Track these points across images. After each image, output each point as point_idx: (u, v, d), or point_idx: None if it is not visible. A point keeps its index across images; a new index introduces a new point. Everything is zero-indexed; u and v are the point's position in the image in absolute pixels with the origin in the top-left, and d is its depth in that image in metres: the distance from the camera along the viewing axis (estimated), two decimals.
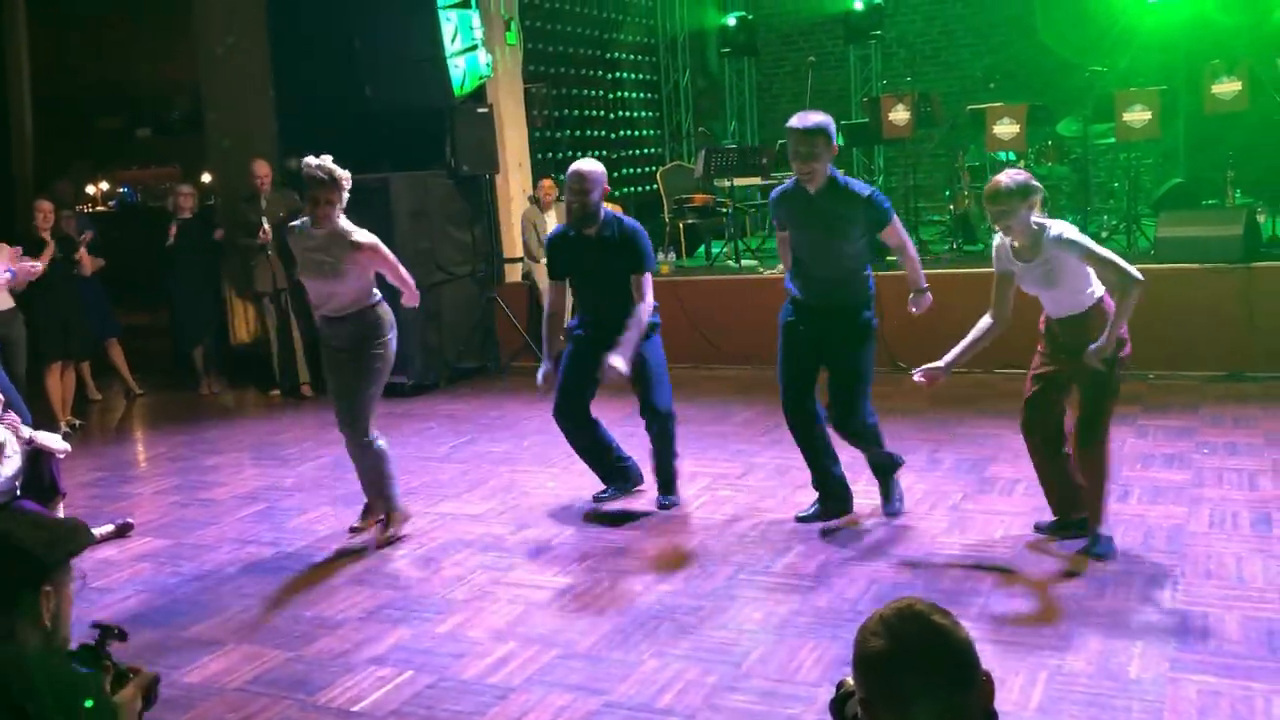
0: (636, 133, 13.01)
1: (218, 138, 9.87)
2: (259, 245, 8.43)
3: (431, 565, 4.78)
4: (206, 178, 10.41)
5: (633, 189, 12.47)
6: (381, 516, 5.15)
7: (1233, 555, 4.23)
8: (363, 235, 4.95)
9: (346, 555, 4.96)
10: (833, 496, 4.90)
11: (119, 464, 6.98)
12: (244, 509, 5.78)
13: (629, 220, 5.17)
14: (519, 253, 9.30)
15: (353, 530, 5.22)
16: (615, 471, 5.43)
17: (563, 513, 5.35)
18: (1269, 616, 3.70)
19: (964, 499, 5.11)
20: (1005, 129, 8.34)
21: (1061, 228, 4.16)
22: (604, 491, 5.43)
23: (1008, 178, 4.16)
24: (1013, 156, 8.98)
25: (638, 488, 5.48)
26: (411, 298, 5.08)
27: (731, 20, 12.89)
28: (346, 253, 4.88)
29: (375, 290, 5.04)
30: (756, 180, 10.76)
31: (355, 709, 3.54)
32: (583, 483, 5.79)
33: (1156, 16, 10.03)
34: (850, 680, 1.75)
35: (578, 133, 11.77)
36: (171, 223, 8.87)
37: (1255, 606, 3.78)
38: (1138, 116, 7.90)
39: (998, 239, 4.36)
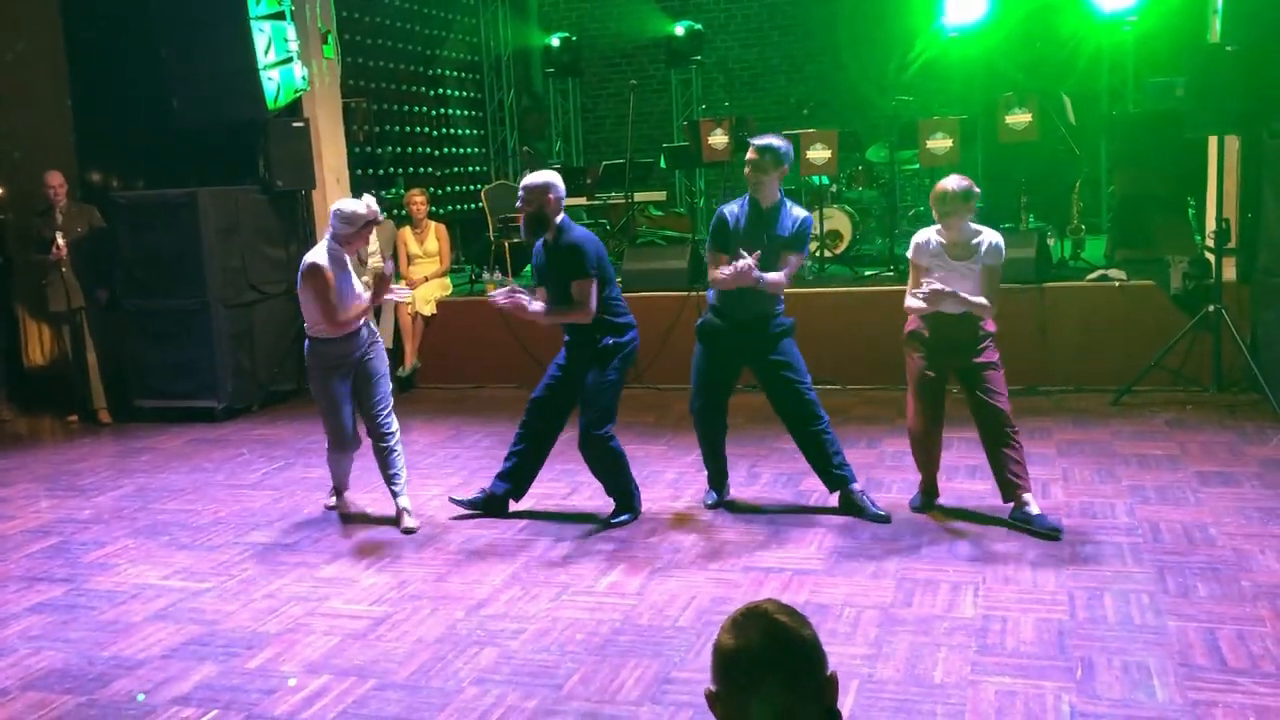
0: (461, 150, 12.91)
1: (8, 149, 9.25)
2: (53, 262, 7.93)
3: (241, 597, 4.57)
4: None
5: (457, 206, 12.35)
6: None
7: (1028, 562, 4.47)
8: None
9: (149, 590, 4.71)
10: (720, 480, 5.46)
11: None
12: (34, 544, 5.40)
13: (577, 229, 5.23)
14: None
15: (406, 532, 5.31)
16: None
17: (380, 540, 5.22)
18: (1059, 619, 3.92)
19: (781, 512, 5.24)
20: (818, 154, 8.64)
21: (999, 238, 4.81)
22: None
23: (955, 183, 4.74)
24: (825, 180, 9.31)
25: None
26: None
27: (555, 41, 12.95)
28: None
29: None
30: (581, 200, 10.82)
31: None
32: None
33: (955, 50, 10.61)
34: None
35: (400, 149, 11.59)
36: None
37: (1048, 609, 4.01)
38: (939, 144, 8.32)
39: (922, 235, 4.90)
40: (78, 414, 8.25)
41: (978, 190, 4.79)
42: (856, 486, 5.15)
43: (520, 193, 5.13)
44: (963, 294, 4.74)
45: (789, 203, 5.16)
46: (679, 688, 3.57)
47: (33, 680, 3.88)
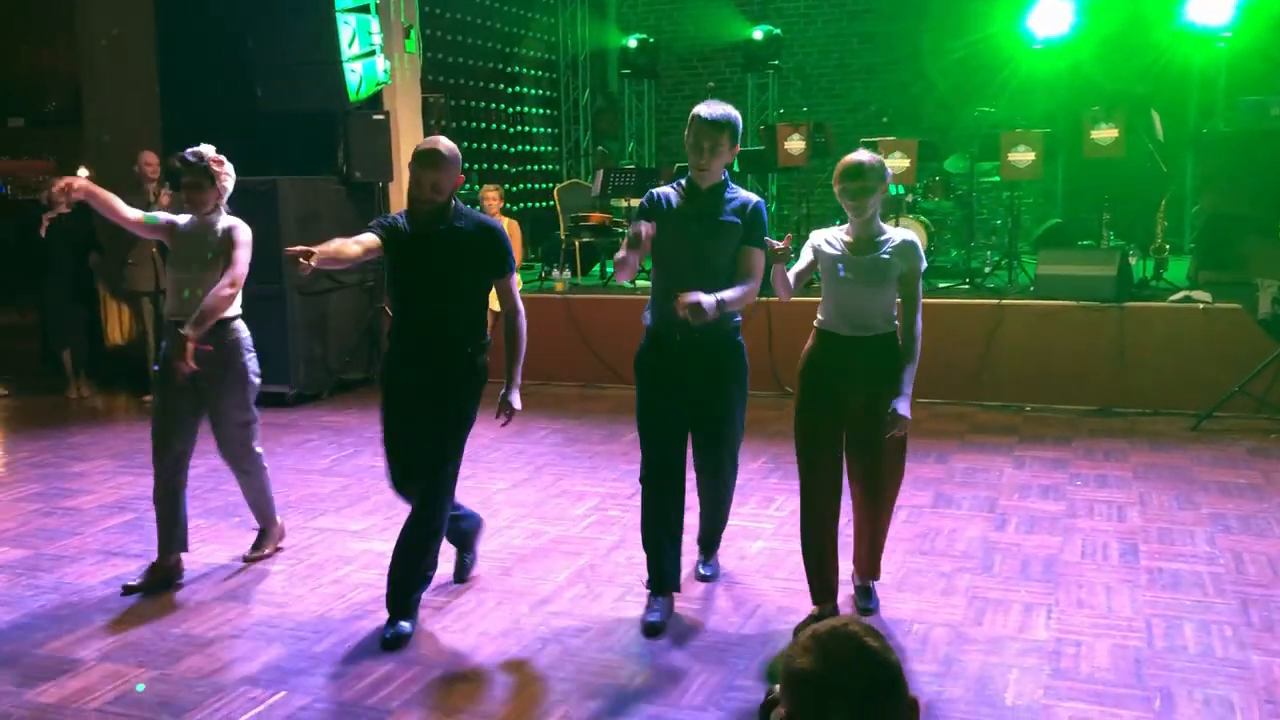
0: (535, 148, 12.98)
1: (97, 131, 9.48)
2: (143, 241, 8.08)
3: (309, 582, 4.62)
4: (83, 172, 9.98)
5: (529, 204, 12.42)
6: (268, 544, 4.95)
7: (1103, 585, 4.37)
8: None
9: (220, 570, 4.77)
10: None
11: None
12: (110, 519, 5.51)
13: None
14: None
15: (247, 560, 4.85)
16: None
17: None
18: (1136, 645, 3.82)
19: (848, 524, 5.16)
20: (895, 163, 8.53)
21: (914, 235, 3.91)
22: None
23: (868, 156, 3.83)
24: (901, 190, 9.21)
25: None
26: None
27: (632, 42, 12.96)
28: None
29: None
30: None
31: None
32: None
33: (1040, 62, 10.42)
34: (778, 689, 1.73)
35: (475, 145, 11.68)
36: (45, 214, 8.39)
37: (1124, 635, 3.90)
38: (1021, 157, 8.17)
39: (818, 235, 3.97)
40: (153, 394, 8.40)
41: (892, 171, 3.79)
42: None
43: (439, 171, 3.99)
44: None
45: (734, 186, 4.07)
46: (740, 695, 3.53)
47: (108, 652, 3.95)
